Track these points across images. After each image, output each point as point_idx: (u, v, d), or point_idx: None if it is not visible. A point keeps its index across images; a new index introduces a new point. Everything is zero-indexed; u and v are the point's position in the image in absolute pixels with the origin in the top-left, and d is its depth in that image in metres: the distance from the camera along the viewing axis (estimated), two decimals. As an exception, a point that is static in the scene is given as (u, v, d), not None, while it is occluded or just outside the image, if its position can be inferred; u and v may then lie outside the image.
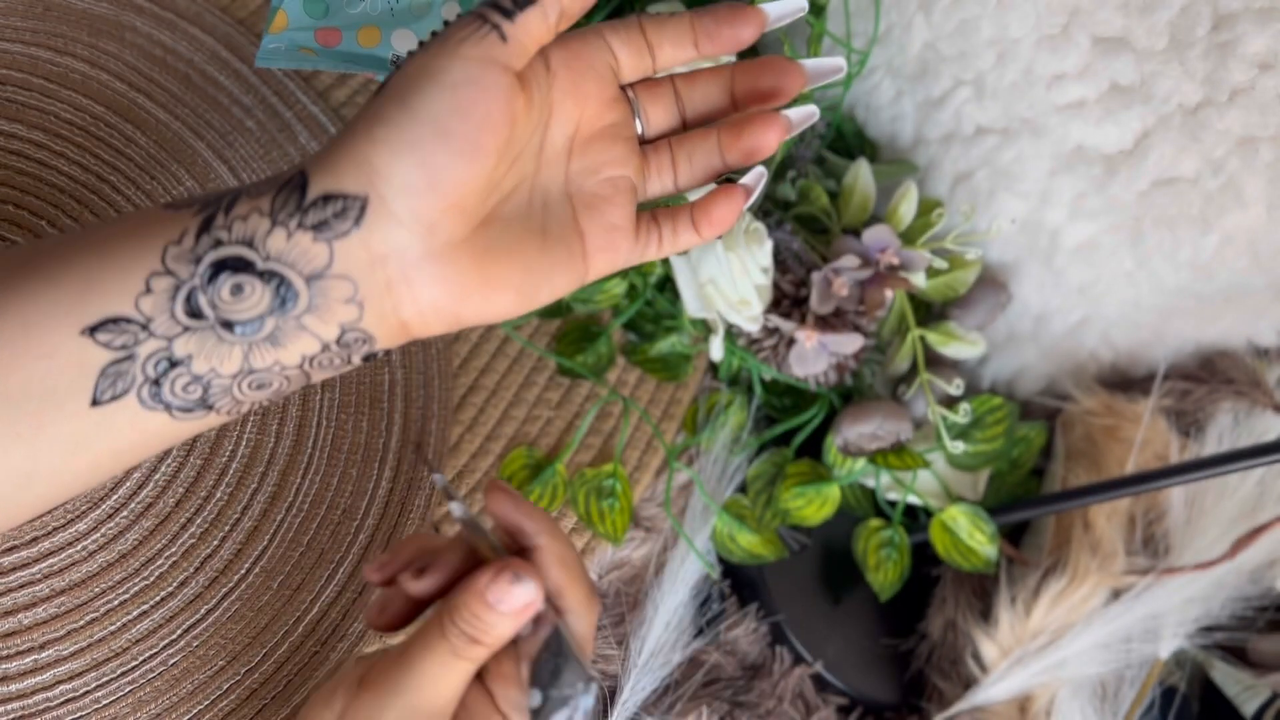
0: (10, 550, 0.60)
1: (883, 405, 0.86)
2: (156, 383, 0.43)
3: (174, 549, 0.64)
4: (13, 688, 0.59)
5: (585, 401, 0.87)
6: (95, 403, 0.42)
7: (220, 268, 0.42)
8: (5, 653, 0.59)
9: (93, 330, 0.42)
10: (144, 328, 0.42)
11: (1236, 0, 0.78)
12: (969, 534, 0.88)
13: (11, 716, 0.59)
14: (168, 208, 0.44)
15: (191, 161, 0.76)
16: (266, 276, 0.42)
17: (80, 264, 0.42)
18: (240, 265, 0.42)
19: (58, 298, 0.42)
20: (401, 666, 0.47)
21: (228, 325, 0.42)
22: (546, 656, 0.46)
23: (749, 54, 1.00)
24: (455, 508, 0.49)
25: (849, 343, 0.83)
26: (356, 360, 0.46)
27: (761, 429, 0.92)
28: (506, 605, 0.45)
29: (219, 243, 0.42)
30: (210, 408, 0.44)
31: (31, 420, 0.42)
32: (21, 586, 0.60)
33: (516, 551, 0.50)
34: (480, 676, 0.49)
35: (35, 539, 0.60)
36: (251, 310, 0.42)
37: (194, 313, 0.42)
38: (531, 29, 0.46)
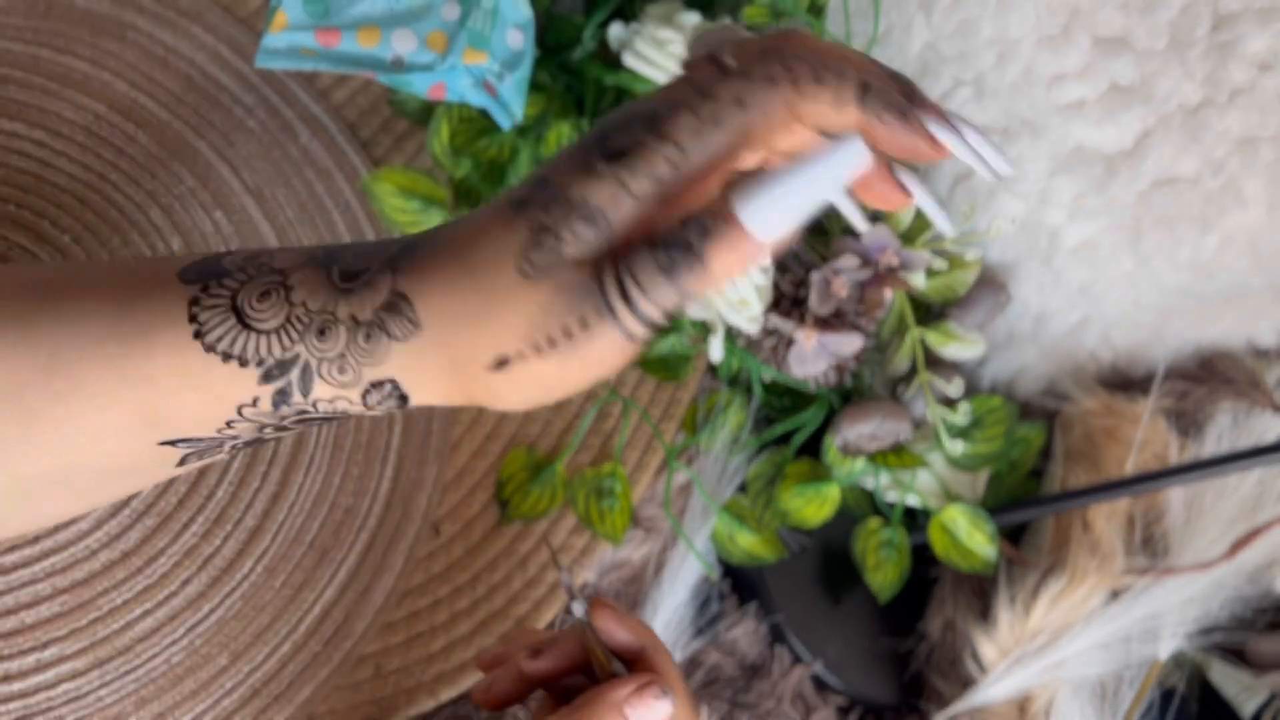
0: (13, 549, 0.60)
1: (882, 405, 0.86)
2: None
3: (176, 548, 0.64)
4: (15, 686, 0.59)
5: (585, 402, 0.87)
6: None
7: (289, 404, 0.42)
8: (8, 651, 0.59)
9: (171, 441, 0.43)
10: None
11: (1236, 0, 0.79)
12: (968, 534, 0.88)
13: (14, 715, 0.59)
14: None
15: (193, 161, 0.76)
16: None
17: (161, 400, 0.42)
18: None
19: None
20: None
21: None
22: None
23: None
24: (577, 608, 0.51)
25: (849, 343, 0.83)
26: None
27: (761, 429, 0.92)
28: (642, 716, 0.48)
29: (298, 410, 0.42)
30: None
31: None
32: (24, 585, 0.60)
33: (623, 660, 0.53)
34: None
35: (38, 538, 0.60)
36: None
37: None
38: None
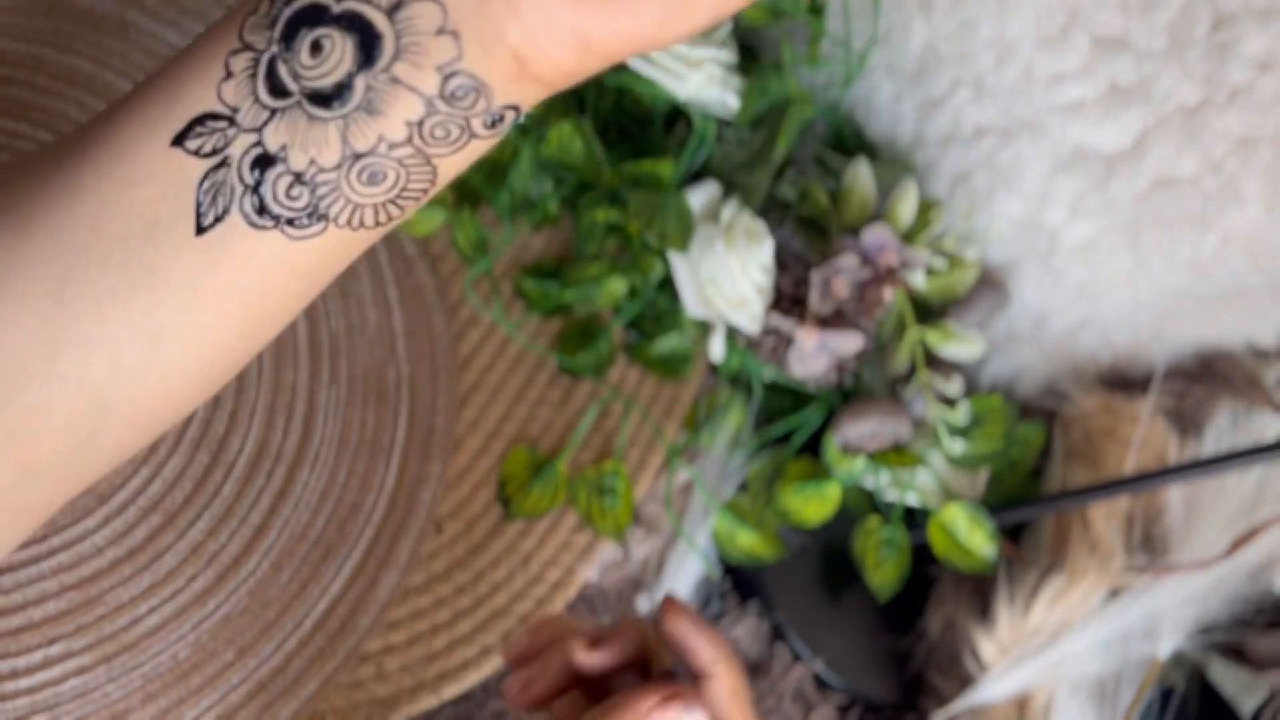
0: (21, 546, 0.60)
1: (882, 405, 0.86)
2: (257, 190, 0.37)
3: (182, 544, 0.64)
4: (22, 683, 0.59)
5: (586, 400, 0.87)
6: (200, 230, 0.37)
7: (296, 24, 0.36)
8: (14, 648, 0.59)
9: (181, 138, 0.37)
10: (231, 121, 0.37)
11: (1236, 0, 0.79)
12: (968, 534, 0.88)
13: (21, 712, 0.59)
14: None
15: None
16: (344, 22, 0.36)
17: (166, 74, 0.38)
18: (316, 15, 0.36)
19: (146, 113, 0.37)
20: None
21: (317, 99, 0.36)
22: None
23: (751, 51, 1.00)
24: (644, 603, 0.50)
25: (849, 342, 0.83)
26: (480, 130, 0.38)
27: (761, 429, 0.92)
28: None
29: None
30: (324, 217, 0.38)
31: (140, 263, 0.37)
32: (31, 582, 0.60)
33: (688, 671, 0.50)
34: None
35: (45, 535, 0.61)
36: (336, 72, 0.36)
37: (278, 89, 0.36)
38: None
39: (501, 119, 0.38)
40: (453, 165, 0.39)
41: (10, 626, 0.59)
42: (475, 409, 0.83)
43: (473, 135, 0.38)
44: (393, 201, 0.38)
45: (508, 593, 0.79)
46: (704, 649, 0.48)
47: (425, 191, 0.39)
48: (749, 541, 0.87)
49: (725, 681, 0.48)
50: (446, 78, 0.36)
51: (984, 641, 0.87)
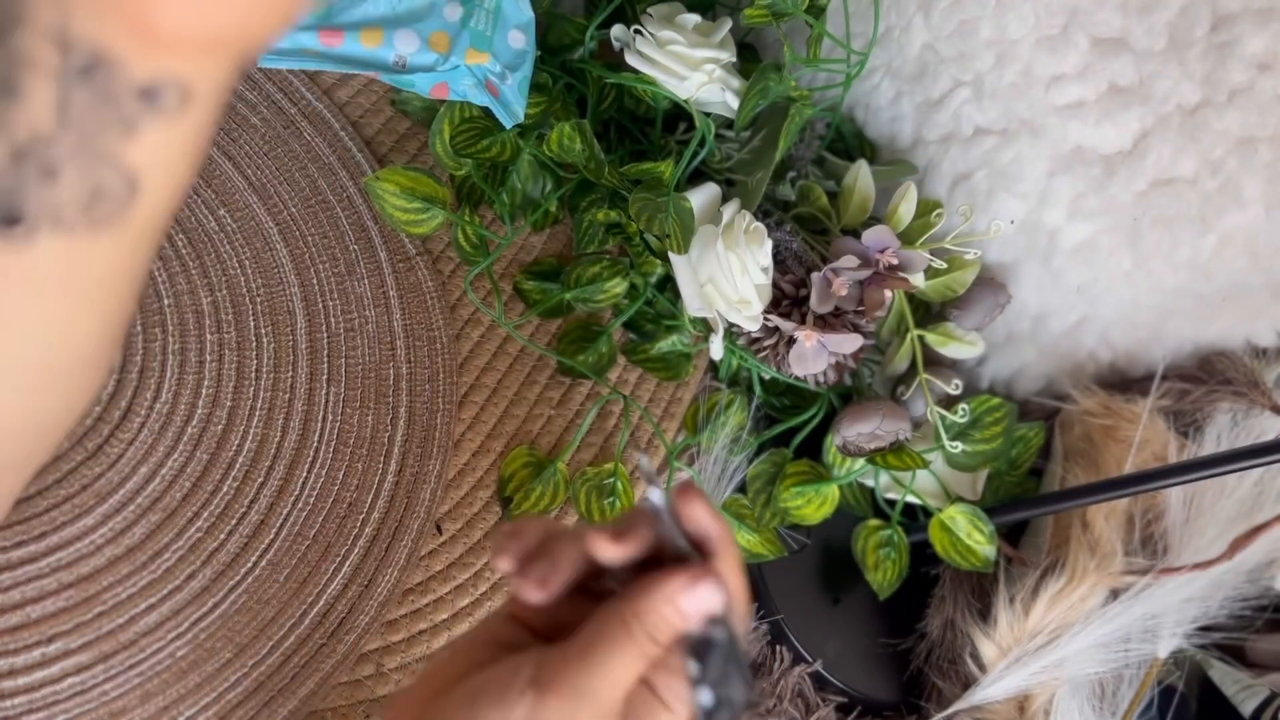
0: (19, 545, 0.60)
1: (882, 405, 0.86)
2: None
3: (181, 543, 0.64)
4: (20, 681, 0.59)
5: (586, 400, 0.87)
6: None
7: None
8: (13, 646, 0.59)
9: None
10: None
11: (1235, 1, 0.79)
12: (967, 533, 0.88)
13: (20, 709, 0.59)
14: None
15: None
16: None
17: None
18: None
19: None
20: (586, 667, 0.44)
21: None
22: (716, 658, 0.45)
23: (751, 52, 1.00)
24: (655, 494, 0.47)
25: (848, 342, 0.83)
26: (142, 111, 0.33)
27: (761, 429, 0.92)
28: (699, 611, 0.45)
29: None
30: (18, 220, 0.33)
31: None
32: (30, 580, 0.60)
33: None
34: None
35: (43, 534, 0.61)
36: None
37: None
38: None
39: (156, 92, 0.33)
40: (148, 159, 0.34)
41: (8, 625, 0.59)
42: (474, 408, 0.83)
43: (139, 118, 0.33)
44: (92, 203, 0.34)
45: (507, 593, 0.79)
46: (717, 528, 0.48)
47: (125, 196, 0.34)
48: (749, 541, 0.87)
49: (732, 557, 0.48)
50: (68, 46, 0.31)
51: (984, 642, 0.87)
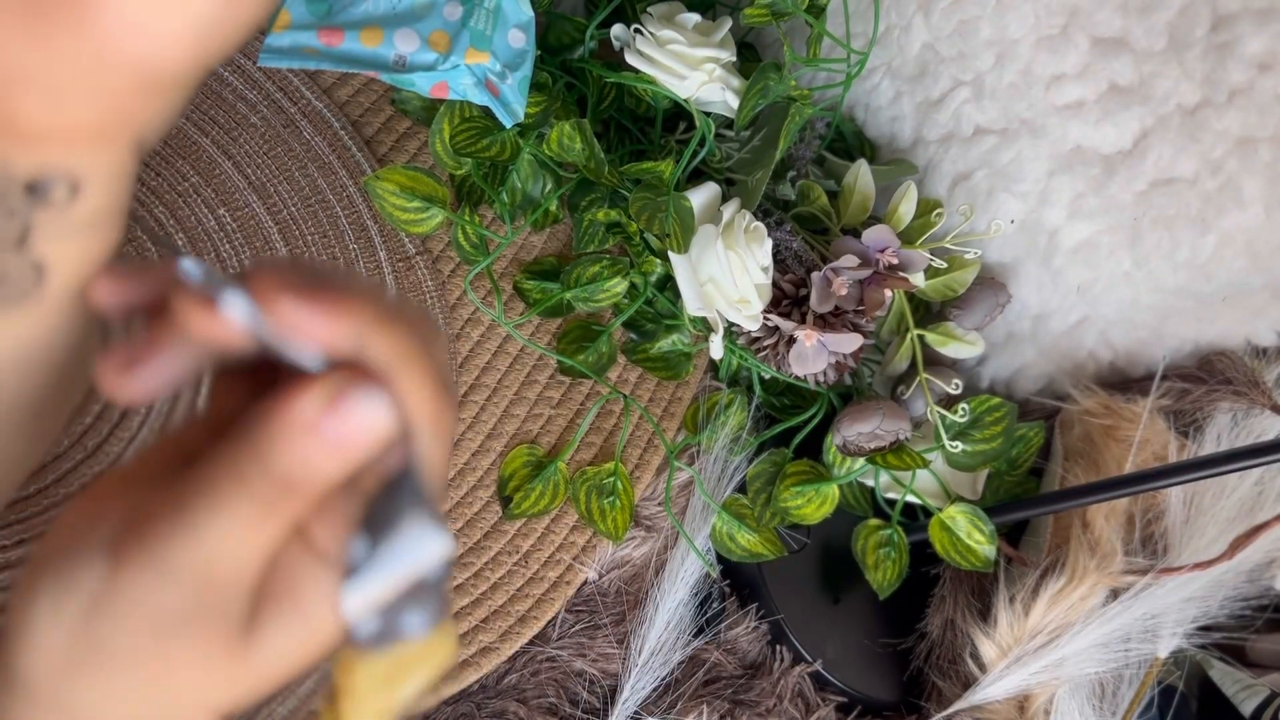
0: (19, 544, 0.60)
1: (882, 405, 0.86)
2: None
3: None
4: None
5: (586, 400, 0.87)
6: None
7: None
8: (12, 644, 0.59)
9: None
10: None
11: (1235, 1, 0.79)
12: (967, 533, 0.88)
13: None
14: None
15: (196, 157, 0.76)
16: None
17: None
18: None
19: None
20: (176, 534, 0.32)
21: None
22: (388, 500, 0.33)
23: (751, 51, 1.00)
24: (237, 304, 0.32)
25: (848, 342, 0.83)
26: (31, 209, 0.32)
27: (761, 428, 0.92)
28: (349, 436, 0.32)
29: None
30: None
31: None
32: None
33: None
34: None
35: (43, 533, 0.60)
36: None
37: None
38: None
39: (47, 188, 0.31)
40: (50, 246, 0.33)
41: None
42: (474, 407, 0.83)
43: (30, 212, 0.31)
44: None
45: (506, 592, 0.79)
46: (335, 326, 0.33)
47: (32, 279, 0.33)
48: (749, 541, 0.87)
49: (383, 348, 0.33)
50: None
51: (984, 642, 0.87)
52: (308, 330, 0.32)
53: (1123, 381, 0.98)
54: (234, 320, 0.32)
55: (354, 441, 0.32)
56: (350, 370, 0.33)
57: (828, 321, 0.84)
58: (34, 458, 0.40)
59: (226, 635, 0.33)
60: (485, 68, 0.78)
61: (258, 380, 0.36)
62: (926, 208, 0.89)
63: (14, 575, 0.60)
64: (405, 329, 0.34)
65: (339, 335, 0.33)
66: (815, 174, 0.94)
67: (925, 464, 0.86)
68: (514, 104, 0.80)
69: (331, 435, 0.32)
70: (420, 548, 0.33)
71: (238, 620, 0.33)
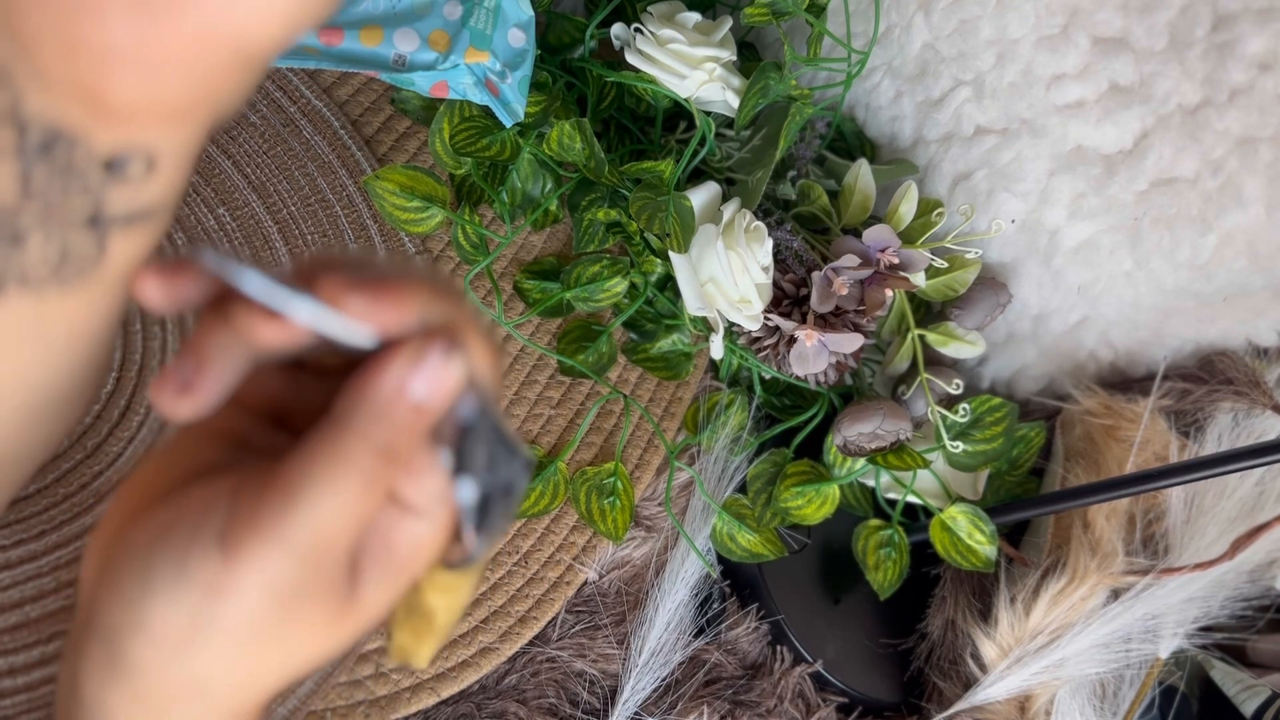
0: (19, 544, 0.60)
1: (882, 405, 0.86)
2: None
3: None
4: (19, 680, 0.59)
5: (586, 400, 0.87)
6: None
7: None
8: (12, 645, 0.59)
9: None
10: None
11: (1236, 1, 0.79)
12: (968, 533, 0.88)
13: (20, 708, 0.59)
14: None
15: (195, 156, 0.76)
16: None
17: None
18: None
19: None
20: (288, 512, 0.34)
21: None
22: (473, 440, 0.36)
23: (751, 51, 1.00)
24: (305, 310, 0.34)
25: (849, 342, 0.83)
26: (106, 184, 0.33)
27: (761, 429, 0.92)
28: (436, 391, 0.35)
29: None
30: None
31: None
32: (29, 579, 0.60)
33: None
34: None
35: (42, 533, 0.60)
36: None
37: None
38: None
39: (125, 165, 0.32)
40: (122, 239, 0.34)
41: (8, 624, 0.59)
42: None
43: (104, 187, 0.33)
44: (61, 264, 0.33)
45: (506, 592, 0.79)
46: (398, 308, 0.35)
47: (94, 256, 0.34)
48: (749, 541, 0.87)
49: (441, 308, 0.36)
50: (19, 127, 0.31)
51: (984, 642, 0.87)
52: (378, 319, 0.35)
53: (1123, 381, 0.98)
54: (303, 326, 0.34)
55: (440, 395, 0.35)
56: (420, 336, 0.35)
57: (828, 321, 0.84)
58: (56, 443, 0.42)
59: (337, 597, 0.35)
60: (485, 67, 0.78)
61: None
62: (927, 207, 0.89)
63: (13, 575, 0.60)
64: (454, 294, 0.37)
65: (406, 316, 0.35)
66: (816, 174, 0.94)
67: (926, 464, 0.86)
68: (514, 103, 0.80)
69: (420, 393, 0.34)
70: (513, 467, 0.37)
71: (344, 581, 0.36)
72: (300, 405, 0.38)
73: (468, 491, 0.36)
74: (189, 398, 0.35)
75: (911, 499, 0.91)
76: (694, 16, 0.84)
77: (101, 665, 0.35)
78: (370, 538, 0.36)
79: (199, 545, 0.34)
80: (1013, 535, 0.96)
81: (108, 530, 0.37)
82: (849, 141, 0.98)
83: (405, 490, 0.36)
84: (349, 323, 0.34)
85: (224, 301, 0.35)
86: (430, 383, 0.34)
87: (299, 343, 0.35)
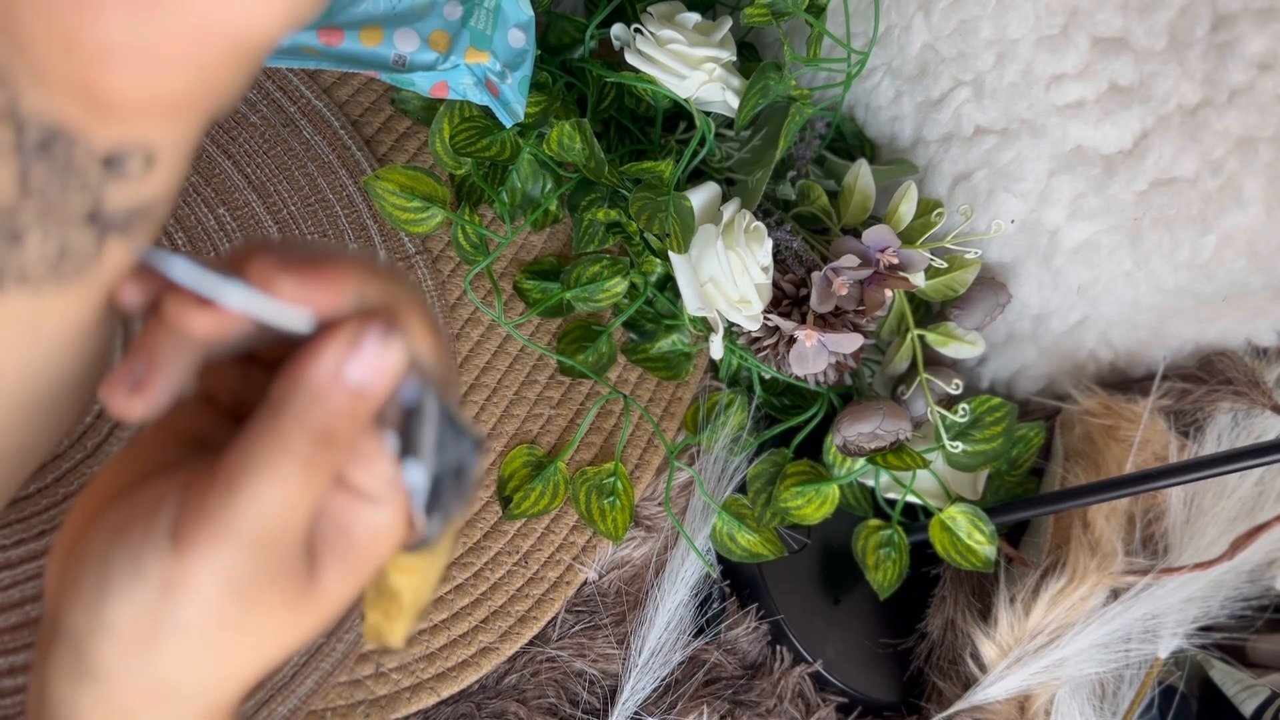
0: (19, 543, 0.60)
1: (882, 405, 0.86)
2: None
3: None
4: (20, 680, 0.59)
5: (586, 400, 0.87)
6: None
7: None
8: (13, 645, 0.59)
9: None
10: None
11: (1236, 1, 0.79)
12: (968, 533, 0.88)
13: (20, 709, 0.59)
14: None
15: (196, 155, 0.76)
16: None
17: None
18: None
19: None
20: (232, 503, 0.34)
21: None
22: (420, 423, 0.36)
23: (751, 51, 1.00)
24: (236, 295, 0.33)
25: (848, 342, 0.83)
26: (105, 179, 0.33)
27: (761, 429, 0.92)
28: (375, 375, 0.34)
29: None
30: None
31: None
32: (29, 579, 0.60)
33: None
34: None
35: (42, 532, 0.60)
36: None
37: None
38: None
39: (124, 161, 0.32)
40: (119, 237, 0.34)
41: (8, 623, 0.59)
42: (474, 407, 0.83)
43: (103, 184, 0.32)
44: (59, 261, 0.33)
45: (506, 592, 0.79)
46: (332, 289, 0.34)
47: (93, 252, 0.33)
48: (749, 541, 0.87)
49: (379, 290, 0.35)
50: (17, 125, 0.31)
51: (984, 642, 0.87)
52: (310, 301, 0.34)
53: (1123, 381, 0.98)
54: (236, 311, 0.33)
55: (379, 379, 0.34)
56: (355, 319, 0.34)
57: (828, 321, 0.84)
58: (54, 442, 0.42)
59: (295, 585, 0.35)
60: (485, 67, 0.78)
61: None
62: (927, 207, 0.89)
63: (13, 575, 0.60)
64: (392, 276, 0.36)
65: (340, 298, 0.34)
66: (815, 174, 0.94)
67: (925, 464, 0.86)
68: (514, 104, 0.80)
69: (357, 378, 0.34)
70: (462, 448, 0.36)
71: (300, 569, 0.35)
72: (258, 401, 0.37)
73: (416, 474, 0.36)
74: (140, 397, 0.35)
75: (911, 499, 0.91)
76: (694, 17, 0.84)
77: (68, 669, 0.35)
78: (325, 524, 0.36)
79: (151, 542, 0.34)
80: (1012, 535, 0.96)
81: (68, 534, 0.37)
82: (849, 141, 0.98)
83: (355, 476, 0.36)
84: (283, 306, 0.34)
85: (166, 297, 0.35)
86: (367, 366, 0.34)
87: (236, 331, 0.35)
